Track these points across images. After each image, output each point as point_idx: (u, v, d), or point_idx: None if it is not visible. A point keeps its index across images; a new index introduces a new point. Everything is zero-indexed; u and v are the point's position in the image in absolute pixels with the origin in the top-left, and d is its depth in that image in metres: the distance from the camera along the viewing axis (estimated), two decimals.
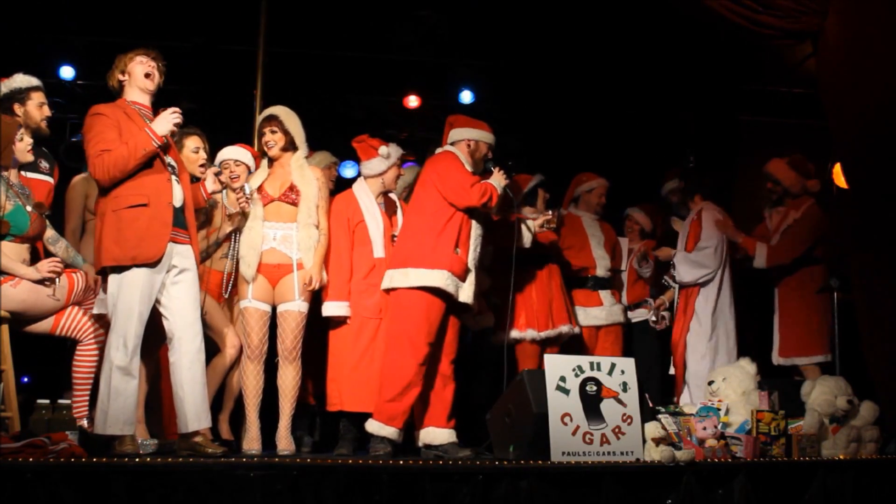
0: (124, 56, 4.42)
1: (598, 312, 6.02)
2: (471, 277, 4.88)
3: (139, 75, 4.38)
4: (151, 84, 4.40)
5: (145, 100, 4.40)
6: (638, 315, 6.44)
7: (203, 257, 4.91)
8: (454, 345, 4.90)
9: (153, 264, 4.17)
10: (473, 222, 4.93)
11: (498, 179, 5.00)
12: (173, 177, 4.32)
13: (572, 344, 5.86)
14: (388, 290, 4.85)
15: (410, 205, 5.07)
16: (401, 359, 4.69)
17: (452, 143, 5.09)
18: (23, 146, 4.55)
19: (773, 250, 5.91)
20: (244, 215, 4.86)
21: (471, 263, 4.88)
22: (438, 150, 5.13)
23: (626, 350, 6.13)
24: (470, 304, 4.90)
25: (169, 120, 4.26)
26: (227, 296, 5.03)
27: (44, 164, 4.86)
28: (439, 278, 4.72)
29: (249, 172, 5.08)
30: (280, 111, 4.92)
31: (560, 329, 5.67)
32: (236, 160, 5.12)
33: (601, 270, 6.09)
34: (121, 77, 4.40)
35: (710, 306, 5.90)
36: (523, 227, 5.35)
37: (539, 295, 5.69)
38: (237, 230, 4.90)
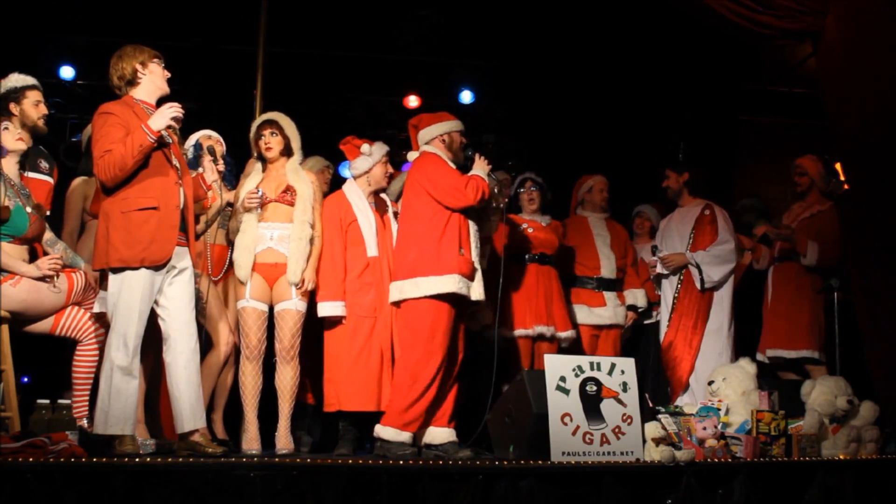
0: (142, 52, 4.31)
1: (601, 312, 5.98)
2: (478, 275, 4.87)
3: (160, 79, 4.34)
4: (167, 90, 4.36)
5: (153, 101, 4.34)
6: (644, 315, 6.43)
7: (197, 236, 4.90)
8: (461, 345, 4.89)
9: (157, 267, 4.18)
10: (470, 220, 4.90)
11: (481, 167, 4.92)
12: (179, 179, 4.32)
13: (573, 344, 5.85)
14: (397, 303, 4.81)
15: (403, 212, 4.97)
16: (417, 367, 4.64)
17: (427, 143, 5.02)
18: (9, 136, 4.44)
19: (823, 250, 5.87)
20: (235, 209, 4.88)
21: (476, 261, 4.87)
22: (414, 154, 5.07)
23: (625, 352, 6.08)
24: (482, 300, 4.88)
25: (166, 115, 4.18)
26: (218, 277, 5.06)
27: (44, 164, 4.86)
28: (451, 283, 4.68)
29: (225, 151, 5.22)
30: (279, 116, 4.98)
31: (536, 329, 5.64)
32: (218, 139, 5.21)
33: (606, 271, 6.04)
34: (140, 69, 4.29)
35: (726, 304, 5.90)
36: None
37: (527, 294, 5.69)
38: (219, 212, 4.94)
